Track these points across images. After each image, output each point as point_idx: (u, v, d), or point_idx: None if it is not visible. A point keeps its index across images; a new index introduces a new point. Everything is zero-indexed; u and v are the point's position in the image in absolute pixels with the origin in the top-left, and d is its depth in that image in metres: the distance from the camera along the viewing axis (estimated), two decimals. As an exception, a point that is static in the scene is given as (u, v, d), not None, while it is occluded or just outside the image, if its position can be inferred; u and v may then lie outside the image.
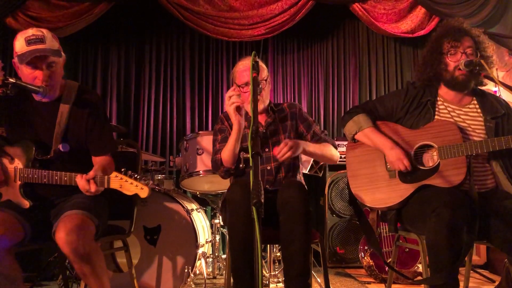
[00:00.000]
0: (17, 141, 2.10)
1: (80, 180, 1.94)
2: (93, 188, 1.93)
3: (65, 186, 2.02)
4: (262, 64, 2.39)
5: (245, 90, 2.34)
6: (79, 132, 2.16)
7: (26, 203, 2.04)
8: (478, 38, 2.12)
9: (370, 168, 2.17)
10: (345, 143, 4.06)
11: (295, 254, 1.97)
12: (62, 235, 1.82)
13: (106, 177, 1.94)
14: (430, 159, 2.07)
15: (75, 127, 2.16)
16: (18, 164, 2.06)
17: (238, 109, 2.20)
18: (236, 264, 2.00)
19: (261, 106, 2.39)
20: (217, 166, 2.35)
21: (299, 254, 1.96)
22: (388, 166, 2.12)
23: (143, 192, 1.93)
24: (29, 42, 2.00)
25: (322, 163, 3.74)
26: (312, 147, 2.32)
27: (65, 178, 2.00)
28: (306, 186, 2.27)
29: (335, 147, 2.44)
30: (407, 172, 2.05)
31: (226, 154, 2.26)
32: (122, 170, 1.96)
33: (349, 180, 2.21)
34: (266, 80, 2.39)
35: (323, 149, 2.37)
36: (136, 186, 1.93)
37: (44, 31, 2.06)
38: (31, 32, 2.02)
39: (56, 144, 2.10)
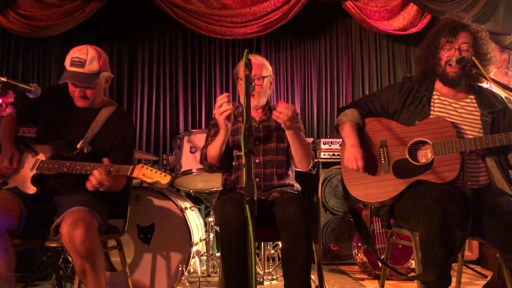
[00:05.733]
0: (48, 141, 2.22)
1: (100, 172, 2.01)
2: (107, 180, 2.01)
3: (73, 185, 2.14)
4: (265, 63, 2.41)
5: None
6: (106, 143, 2.28)
7: (33, 189, 2.10)
8: (476, 34, 2.12)
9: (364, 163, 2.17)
10: (339, 140, 4.12)
11: (297, 272, 1.97)
12: (69, 229, 1.85)
13: (131, 166, 2.06)
14: (424, 155, 2.08)
15: (104, 137, 2.28)
16: (42, 157, 2.16)
17: (228, 117, 2.14)
18: (229, 282, 1.98)
19: (254, 102, 2.38)
20: (202, 159, 2.39)
21: (300, 271, 1.97)
22: (383, 162, 2.12)
23: (165, 179, 2.06)
24: (72, 63, 2.14)
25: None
26: (301, 135, 2.25)
27: (88, 167, 2.07)
28: (302, 192, 2.27)
29: (313, 158, 2.35)
30: (401, 168, 2.06)
31: (212, 152, 2.27)
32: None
33: (343, 175, 2.21)
34: (264, 78, 2.37)
35: (306, 148, 2.28)
36: (160, 174, 2.07)
37: (90, 52, 2.17)
38: (77, 53, 2.15)
39: (85, 143, 2.22)
